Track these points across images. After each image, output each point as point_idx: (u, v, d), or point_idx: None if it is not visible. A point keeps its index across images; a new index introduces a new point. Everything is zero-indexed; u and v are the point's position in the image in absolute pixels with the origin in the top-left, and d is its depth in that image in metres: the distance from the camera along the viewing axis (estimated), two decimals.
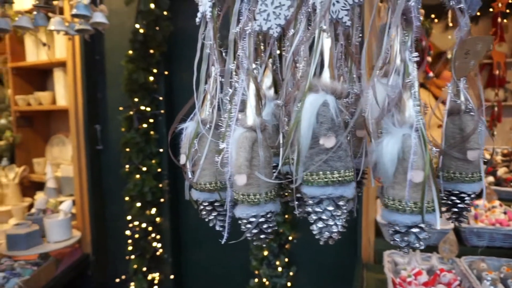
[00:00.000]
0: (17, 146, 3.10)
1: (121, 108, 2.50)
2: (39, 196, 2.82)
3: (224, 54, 0.81)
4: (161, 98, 2.52)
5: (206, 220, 0.85)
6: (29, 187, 3.17)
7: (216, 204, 0.84)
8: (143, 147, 2.44)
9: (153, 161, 2.49)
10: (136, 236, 2.50)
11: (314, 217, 0.68)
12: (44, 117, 3.34)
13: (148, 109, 2.46)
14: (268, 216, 0.76)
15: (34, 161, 3.14)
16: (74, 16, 1.60)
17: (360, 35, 0.88)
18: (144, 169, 2.45)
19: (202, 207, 0.85)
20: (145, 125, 2.45)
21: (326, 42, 0.72)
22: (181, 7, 2.56)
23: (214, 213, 0.85)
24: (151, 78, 2.45)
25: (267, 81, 0.91)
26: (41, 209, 2.43)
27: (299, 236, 2.28)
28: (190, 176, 0.81)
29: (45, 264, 2.14)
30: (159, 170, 2.52)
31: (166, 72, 2.56)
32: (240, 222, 0.76)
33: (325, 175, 0.65)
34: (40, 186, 3.13)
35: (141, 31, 2.38)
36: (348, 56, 0.88)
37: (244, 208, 0.75)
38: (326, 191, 0.66)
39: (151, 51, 2.43)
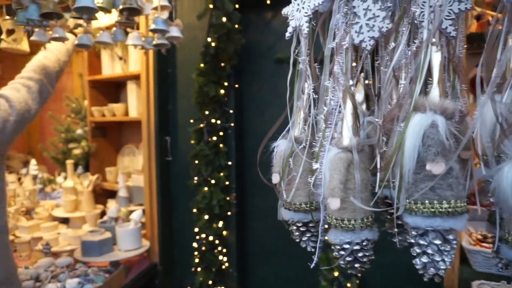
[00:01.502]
0: (91, 155, 3.24)
1: (191, 121, 2.53)
2: (111, 204, 2.92)
3: (317, 69, 0.77)
4: (231, 111, 2.52)
5: (297, 240, 0.82)
6: (101, 194, 3.30)
7: (310, 225, 0.80)
8: (212, 160, 2.45)
9: (222, 174, 2.49)
10: (203, 248, 2.51)
11: (418, 250, 0.62)
12: (117, 128, 3.47)
13: (218, 122, 2.47)
14: (364, 244, 0.70)
15: (106, 169, 3.26)
16: (152, 31, 1.63)
17: (465, 45, 0.80)
18: (213, 181, 2.46)
19: (295, 227, 0.82)
20: (214, 138, 2.47)
21: (435, 57, 0.66)
22: (251, 19, 2.57)
23: (308, 234, 0.81)
24: (222, 91, 2.47)
25: (359, 96, 0.86)
26: (113, 218, 2.50)
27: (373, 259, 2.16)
28: (284, 196, 0.78)
29: (116, 271, 2.19)
30: (227, 183, 2.52)
31: (236, 85, 2.57)
32: (333, 247, 0.71)
33: (432, 204, 0.59)
34: (111, 194, 3.24)
35: (213, 44, 2.40)
36: (450, 69, 0.80)
37: (338, 233, 0.70)
38: (434, 222, 0.59)
39: (222, 64, 2.44)
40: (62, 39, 1.74)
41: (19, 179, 3.40)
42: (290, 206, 0.80)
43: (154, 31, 1.62)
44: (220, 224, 2.53)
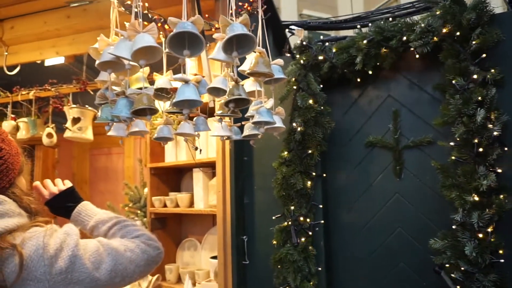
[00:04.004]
0: None
1: (273, 217, 2.15)
2: None
3: None
4: (321, 206, 2.13)
5: None
6: None
7: None
8: (301, 266, 2.03)
9: (311, 283, 2.05)
10: None
11: None
12: (177, 219, 3.15)
13: (308, 220, 2.08)
14: None
15: (166, 267, 2.89)
16: (255, 123, 1.32)
17: None
18: None
19: None
20: (303, 239, 2.06)
21: None
22: (335, 99, 2.26)
23: None
24: (309, 183, 2.10)
25: None
26: None
27: None
28: None
29: None
30: None
31: (324, 175, 2.20)
32: None
33: None
34: None
35: (299, 129, 2.08)
36: None
37: None
38: None
39: (310, 151, 2.10)
40: (141, 133, 1.47)
41: None
42: None
43: (258, 123, 1.31)
44: None
